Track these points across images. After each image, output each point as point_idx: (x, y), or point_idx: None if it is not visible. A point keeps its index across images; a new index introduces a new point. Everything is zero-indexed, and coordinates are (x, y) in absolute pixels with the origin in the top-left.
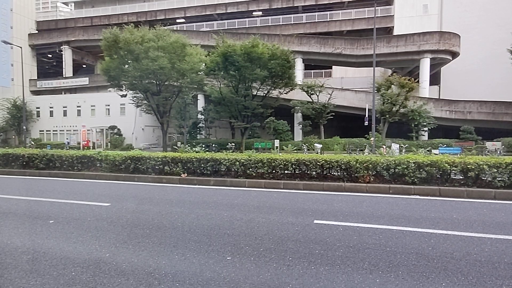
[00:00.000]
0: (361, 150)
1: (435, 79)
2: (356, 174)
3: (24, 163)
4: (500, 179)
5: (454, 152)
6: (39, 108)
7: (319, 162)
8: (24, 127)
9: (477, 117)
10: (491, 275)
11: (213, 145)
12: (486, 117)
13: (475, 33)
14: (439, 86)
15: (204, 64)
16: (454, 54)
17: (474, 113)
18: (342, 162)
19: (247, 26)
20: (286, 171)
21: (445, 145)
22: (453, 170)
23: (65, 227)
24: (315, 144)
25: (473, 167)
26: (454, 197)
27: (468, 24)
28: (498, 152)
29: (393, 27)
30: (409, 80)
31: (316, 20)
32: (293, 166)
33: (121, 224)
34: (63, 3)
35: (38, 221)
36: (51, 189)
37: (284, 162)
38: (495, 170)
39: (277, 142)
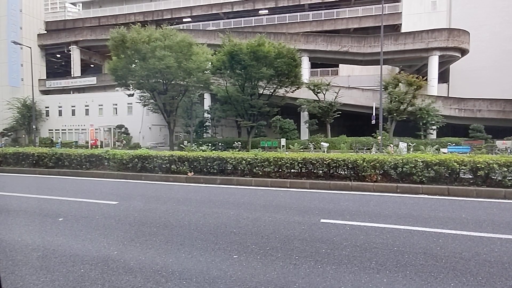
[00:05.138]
0: (368, 149)
1: (443, 77)
2: (363, 173)
3: (34, 161)
4: (510, 178)
5: (463, 151)
6: (48, 107)
7: (326, 161)
8: (33, 127)
9: (487, 115)
10: (501, 275)
11: (220, 144)
12: (496, 115)
13: (484, 30)
14: (448, 84)
15: (210, 63)
16: (463, 52)
17: (484, 111)
18: (349, 161)
19: (253, 24)
20: (292, 170)
21: (454, 144)
22: (462, 169)
23: (74, 225)
24: (322, 143)
25: (482, 166)
26: (463, 197)
27: (477, 21)
28: (509, 150)
29: (401, 24)
30: (417, 78)
31: (323, 18)
32: (300, 165)
33: (129, 222)
34: (71, 3)
35: (47, 219)
36: (60, 187)
37: (291, 161)
38: (506, 169)
39: (283, 141)
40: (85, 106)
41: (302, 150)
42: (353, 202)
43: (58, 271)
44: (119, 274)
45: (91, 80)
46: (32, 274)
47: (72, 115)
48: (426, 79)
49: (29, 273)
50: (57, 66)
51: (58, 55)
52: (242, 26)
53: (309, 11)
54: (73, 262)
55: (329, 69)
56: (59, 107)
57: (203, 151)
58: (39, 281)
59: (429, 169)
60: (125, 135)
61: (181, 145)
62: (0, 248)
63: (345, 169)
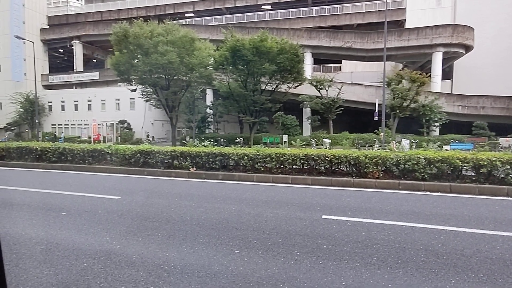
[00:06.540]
0: (371, 146)
1: (447, 74)
2: (365, 170)
3: (37, 156)
4: None
5: (466, 148)
6: (51, 102)
7: (328, 157)
8: (36, 121)
9: (490, 112)
10: (502, 272)
11: (222, 140)
12: (500, 113)
13: (489, 26)
14: (452, 81)
15: (212, 59)
16: (468, 48)
17: (488, 108)
18: (351, 157)
19: (256, 20)
20: (294, 166)
21: (456, 141)
22: (464, 166)
23: (77, 219)
24: (324, 139)
25: (485, 163)
26: (465, 194)
27: (482, 17)
28: None
29: (404, 20)
30: (420, 74)
31: (326, 14)
32: (302, 161)
33: (131, 216)
34: None
35: (51, 213)
36: (63, 182)
37: (293, 157)
38: (508, 167)
39: (285, 137)
40: (88, 101)
41: (304, 146)
42: (355, 199)
43: (61, 264)
44: (121, 268)
45: (94, 75)
46: (35, 267)
47: (75, 110)
48: (430, 76)
49: (32, 266)
50: (59, 61)
51: (61, 50)
52: (245, 21)
53: (312, 6)
54: (76, 256)
55: (332, 65)
56: (62, 102)
57: (205, 146)
58: (43, 274)
59: (432, 166)
60: (127, 130)
61: (183, 140)
62: (4, 241)
63: (347, 166)
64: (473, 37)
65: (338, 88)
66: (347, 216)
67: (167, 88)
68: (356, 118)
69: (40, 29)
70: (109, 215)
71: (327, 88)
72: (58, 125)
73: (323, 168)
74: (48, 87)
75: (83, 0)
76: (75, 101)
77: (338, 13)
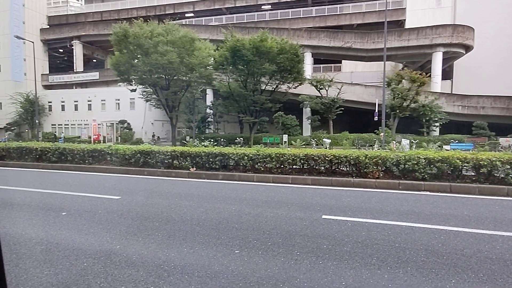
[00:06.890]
0: (371, 146)
1: (447, 74)
2: (365, 170)
3: (37, 156)
4: None
5: (466, 148)
6: (51, 102)
7: (328, 157)
8: (36, 121)
9: (490, 112)
10: (502, 272)
11: (222, 140)
12: (500, 113)
13: (489, 26)
14: (452, 81)
15: (212, 59)
16: (468, 48)
17: (488, 108)
18: (351, 157)
19: (256, 20)
20: (294, 166)
21: (456, 141)
22: (464, 166)
23: (77, 219)
24: (324, 139)
25: (485, 163)
26: (466, 194)
27: (482, 17)
28: None
29: (404, 20)
30: (420, 74)
31: (326, 14)
32: (302, 161)
33: (131, 216)
34: None
35: (51, 213)
36: (63, 182)
37: (293, 157)
38: (508, 167)
39: (285, 137)
40: (88, 101)
41: (304, 146)
42: (355, 199)
43: (61, 264)
44: (121, 268)
45: (94, 75)
46: (35, 267)
47: (75, 110)
48: (430, 76)
49: (32, 266)
50: (59, 61)
51: (61, 50)
52: (245, 21)
53: (312, 6)
54: (76, 256)
55: (332, 65)
56: (62, 102)
57: (205, 146)
58: (43, 274)
59: (432, 166)
60: (127, 130)
61: (183, 140)
62: (4, 241)
63: (347, 166)
64: (473, 37)
65: (338, 88)
66: (347, 216)
67: (167, 88)
68: (356, 118)
69: (40, 29)
70: (109, 215)
71: (327, 88)
72: (58, 125)
73: (323, 168)
74: (48, 87)
75: (83, 0)
76: (75, 101)
77: (338, 13)
